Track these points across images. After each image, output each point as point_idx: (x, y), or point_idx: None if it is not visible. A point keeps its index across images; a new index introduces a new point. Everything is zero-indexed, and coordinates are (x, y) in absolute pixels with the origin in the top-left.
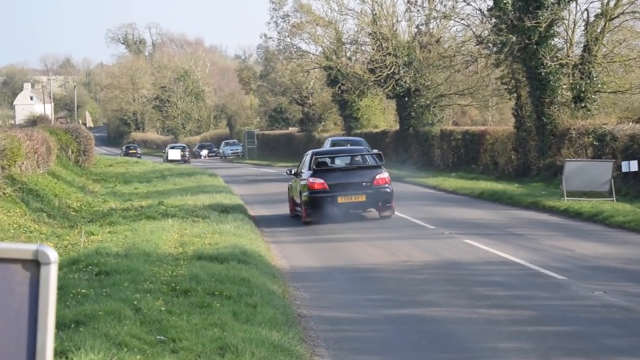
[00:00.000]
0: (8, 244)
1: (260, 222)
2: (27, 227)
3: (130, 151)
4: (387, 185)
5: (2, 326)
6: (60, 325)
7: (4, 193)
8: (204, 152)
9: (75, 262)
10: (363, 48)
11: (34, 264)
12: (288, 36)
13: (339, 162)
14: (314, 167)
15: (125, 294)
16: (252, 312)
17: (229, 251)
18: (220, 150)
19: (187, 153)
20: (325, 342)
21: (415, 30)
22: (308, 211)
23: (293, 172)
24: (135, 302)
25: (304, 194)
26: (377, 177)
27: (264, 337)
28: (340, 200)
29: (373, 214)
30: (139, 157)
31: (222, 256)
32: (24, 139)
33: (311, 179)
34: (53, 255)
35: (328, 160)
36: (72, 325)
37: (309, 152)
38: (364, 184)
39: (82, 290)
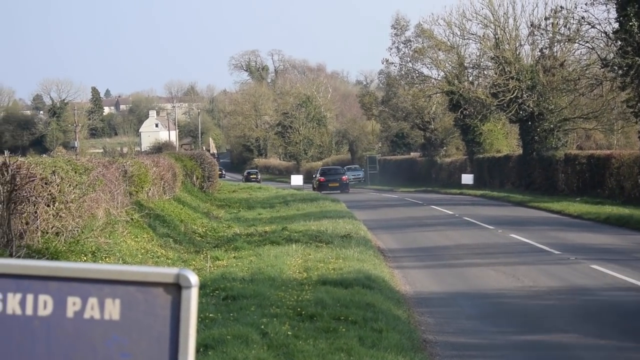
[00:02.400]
0: (150, 268)
1: (384, 247)
2: (154, 252)
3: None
4: (346, 180)
5: (144, 348)
6: None
7: (132, 219)
8: None
9: (202, 286)
10: (485, 72)
11: (176, 288)
12: (410, 61)
13: (329, 171)
14: (320, 172)
15: (252, 318)
16: (378, 337)
17: (353, 276)
18: None
19: (258, 175)
20: None
21: (539, 53)
22: (318, 189)
23: (314, 176)
24: (262, 327)
25: (316, 182)
26: (343, 177)
27: None
28: (329, 185)
29: (494, 238)
30: (259, 182)
31: (347, 281)
32: (151, 166)
33: (319, 177)
34: (194, 278)
35: (326, 170)
36: (201, 349)
37: (320, 168)
38: (337, 179)
39: (210, 315)
